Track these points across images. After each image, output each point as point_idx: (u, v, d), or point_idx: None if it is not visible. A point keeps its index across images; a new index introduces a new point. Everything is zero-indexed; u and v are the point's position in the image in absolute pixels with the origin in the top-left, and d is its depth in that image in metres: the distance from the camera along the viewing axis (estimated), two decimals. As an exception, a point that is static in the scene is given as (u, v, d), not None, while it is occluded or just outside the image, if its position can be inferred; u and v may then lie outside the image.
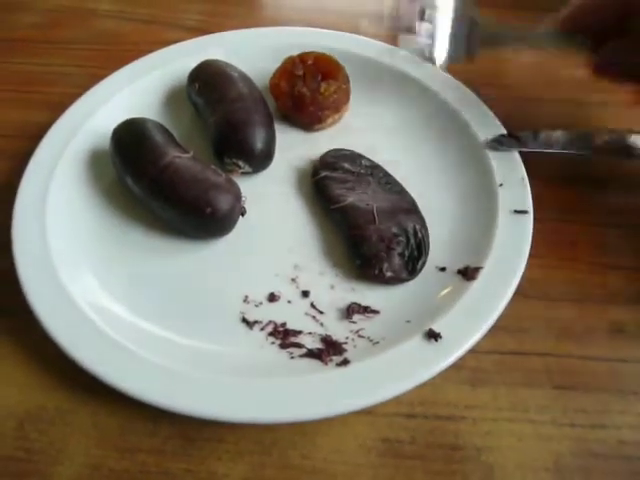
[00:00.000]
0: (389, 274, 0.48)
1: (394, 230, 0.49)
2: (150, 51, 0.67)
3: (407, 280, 0.49)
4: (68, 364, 0.42)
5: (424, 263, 0.49)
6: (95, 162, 0.56)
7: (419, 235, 0.50)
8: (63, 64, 0.72)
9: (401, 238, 0.49)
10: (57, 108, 0.60)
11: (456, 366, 0.43)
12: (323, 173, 0.54)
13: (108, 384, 0.41)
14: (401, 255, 0.48)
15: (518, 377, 0.45)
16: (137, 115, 0.55)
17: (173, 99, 0.63)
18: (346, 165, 0.55)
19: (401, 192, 0.54)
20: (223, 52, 0.64)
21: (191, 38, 0.68)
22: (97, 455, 0.41)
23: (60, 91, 0.67)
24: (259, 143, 0.53)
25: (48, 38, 0.76)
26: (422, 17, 0.57)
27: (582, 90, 0.67)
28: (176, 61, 0.64)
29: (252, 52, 0.66)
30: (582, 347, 0.47)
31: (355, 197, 0.52)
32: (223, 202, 0.48)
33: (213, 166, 0.51)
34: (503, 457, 0.41)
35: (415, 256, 0.49)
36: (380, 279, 0.48)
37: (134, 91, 0.62)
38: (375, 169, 0.55)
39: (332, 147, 0.57)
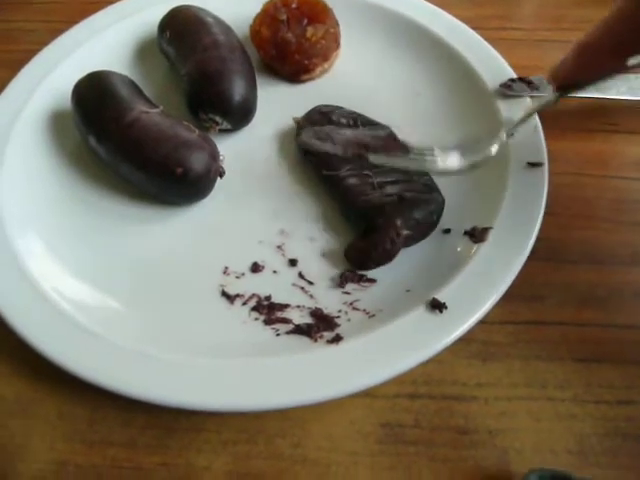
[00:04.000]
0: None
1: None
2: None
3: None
4: (29, 349, 0.38)
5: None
6: (57, 123, 0.51)
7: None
8: (26, 20, 0.67)
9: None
10: (20, 67, 0.55)
11: (465, 339, 0.39)
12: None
13: (72, 373, 0.37)
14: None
15: (534, 350, 0.41)
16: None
17: (144, 52, 0.58)
18: (335, 123, 0.49)
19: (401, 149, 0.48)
20: (198, -2, 0.57)
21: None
22: (63, 450, 0.38)
23: (23, 48, 0.61)
24: (237, 95, 0.48)
25: (9, -7, 0.70)
26: None
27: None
28: (147, 10, 0.58)
29: (230, -3, 0.59)
30: (605, 314, 0.42)
31: (349, 162, 0.46)
32: (196, 161, 0.43)
33: (186, 122, 0.45)
34: (519, 440, 0.37)
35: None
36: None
37: (99, 44, 0.56)
38: (370, 125, 0.49)
39: (322, 99, 0.52)
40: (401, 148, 0.44)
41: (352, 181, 0.44)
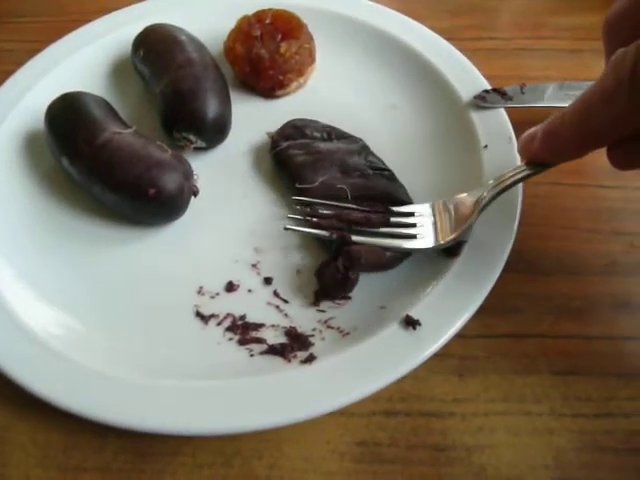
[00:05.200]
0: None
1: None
2: (98, 20, 0.61)
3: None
4: (0, 375, 0.38)
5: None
6: (31, 145, 0.51)
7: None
8: (4, 40, 0.66)
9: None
10: (-3, 88, 0.54)
11: (441, 354, 0.38)
12: (284, 144, 0.48)
13: (45, 399, 0.36)
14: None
15: (511, 363, 0.40)
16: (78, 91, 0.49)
17: (120, 71, 0.57)
18: (309, 137, 0.49)
19: (375, 162, 0.48)
20: (173, 16, 0.57)
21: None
22: (38, 477, 0.37)
23: (1, 69, 0.60)
24: (211, 113, 0.47)
25: (-13, 12, 0.69)
26: None
27: (575, 37, 0.63)
28: (122, 28, 0.58)
29: (206, 14, 0.59)
30: (582, 326, 0.42)
31: (323, 175, 0.46)
32: (169, 181, 0.43)
33: (159, 142, 0.45)
34: (497, 456, 0.37)
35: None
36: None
37: (74, 64, 0.56)
38: (344, 139, 0.49)
39: (297, 114, 0.51)
40: (382, 219, 0.43)
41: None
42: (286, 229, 0.43)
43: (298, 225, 0.43)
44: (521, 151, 0.40)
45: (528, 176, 0.40)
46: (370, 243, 0.42)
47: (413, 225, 0.42)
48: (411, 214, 0.43)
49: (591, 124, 0.33)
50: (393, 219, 0.43)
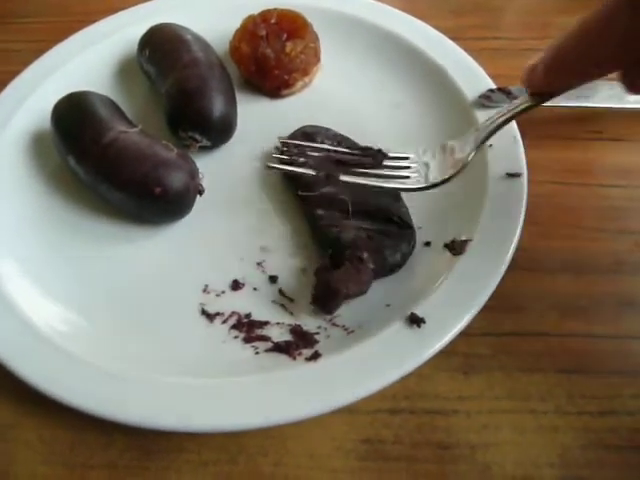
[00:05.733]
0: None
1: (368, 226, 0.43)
2: (103, 20, 0.61)
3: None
4: (7, 372, 0.38)
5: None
6: (37, 145, 0.51)
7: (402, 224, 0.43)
8: (10, 40, 0.66)
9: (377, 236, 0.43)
10: (3, 88, 0.55)
11: (445, 352, 0.38)
12: None
13: (51, 396, 0.37)
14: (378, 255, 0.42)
15: (516, 362, 0.40)
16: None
17: (126, 71, 0.58)
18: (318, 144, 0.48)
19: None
20: (179, 15, 0.57)
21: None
22: (44, 474, 0.37)
23: (7, 69, 0.60)
24: (216, 112, 0.47)
25: (-7, 13, 0.70)
26: None
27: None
28: (127, 28, 0.58)
29: (211, 14, 0.60)
30: (587, 324, 0.42)
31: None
32: (175, 180, 0.43)
33: (164, 141, 0.46)
34: (501, 454, 0.37)
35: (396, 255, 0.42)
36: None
37: (80, 64, 0.56)
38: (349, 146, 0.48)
39: (303, 113, 0.52)
40: (376, 160, 0.43)
41: (324, 210, 0.44)
42: (268, 167, 0.44)
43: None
44: (526, 81, 0.38)
45: (531, 107, 0.38)
46: (362, 184, 0.42)
47: (407, 168, 0.42)
48: (405, 158, 0.43)
49: (591, 50, 0.32)
50: (386, 162, 0.43)
